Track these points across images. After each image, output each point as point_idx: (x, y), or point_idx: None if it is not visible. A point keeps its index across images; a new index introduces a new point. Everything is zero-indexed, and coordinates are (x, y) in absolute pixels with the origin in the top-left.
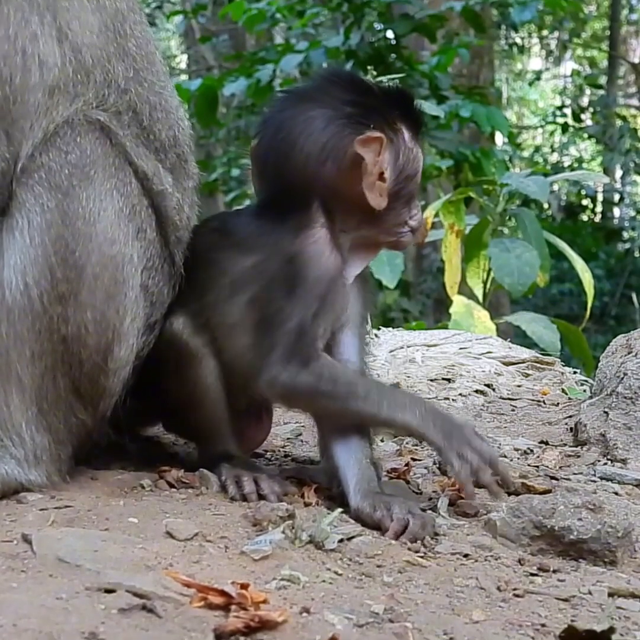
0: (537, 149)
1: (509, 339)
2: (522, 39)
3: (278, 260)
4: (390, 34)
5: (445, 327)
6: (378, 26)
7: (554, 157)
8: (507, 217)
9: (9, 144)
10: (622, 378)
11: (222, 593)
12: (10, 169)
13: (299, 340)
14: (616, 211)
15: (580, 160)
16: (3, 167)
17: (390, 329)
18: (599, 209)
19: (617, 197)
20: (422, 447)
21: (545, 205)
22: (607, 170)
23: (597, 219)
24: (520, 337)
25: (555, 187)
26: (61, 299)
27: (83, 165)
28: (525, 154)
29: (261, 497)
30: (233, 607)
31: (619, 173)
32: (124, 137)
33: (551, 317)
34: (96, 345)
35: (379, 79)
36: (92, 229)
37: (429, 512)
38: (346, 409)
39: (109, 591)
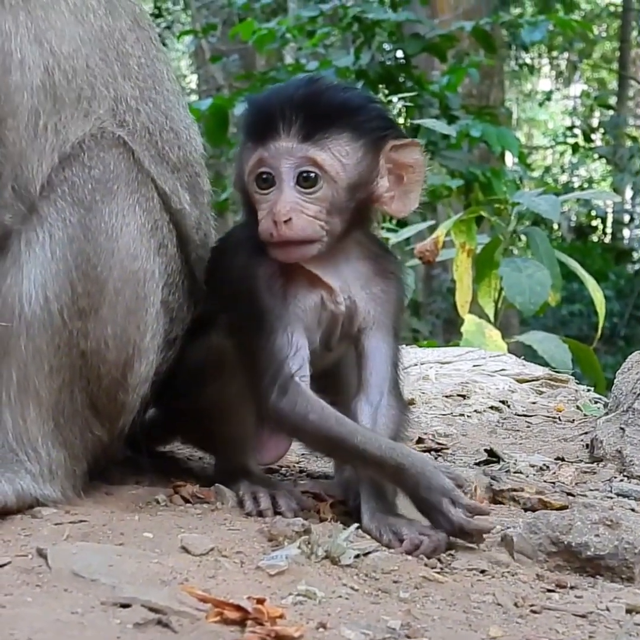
0: (548, 169)
1: (523, 357)
2: (532, 59)
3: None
4: (400, 53)
5: (457, 346)
6: (388, 46)
7: (564, 178)
8: (518, 237)
9: (0, 144)
10: (639, 394)
11: (238, 608)
12: (5, 170)
13: (274, 368)
14: (626, 232)
15: (590, 181)
16: None
17: (403, 346)
18: (608, 229)
19: (627, 217)
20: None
21: (555, 226)
22: (617, 191)
23: (607, 239)
24: (530, 356)
25: (565, 207)
26: (81, 313)
27: (106, 180)
28: (535, 174)
29: (277, 513)
30: (249, 622)
31: (629, 193)
32: (142, 154)
33: (562, 337)
34: (116, 361)
35: (390, 98)
36: (115, 244)
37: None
38: (320, 442)
39: (124, 606)
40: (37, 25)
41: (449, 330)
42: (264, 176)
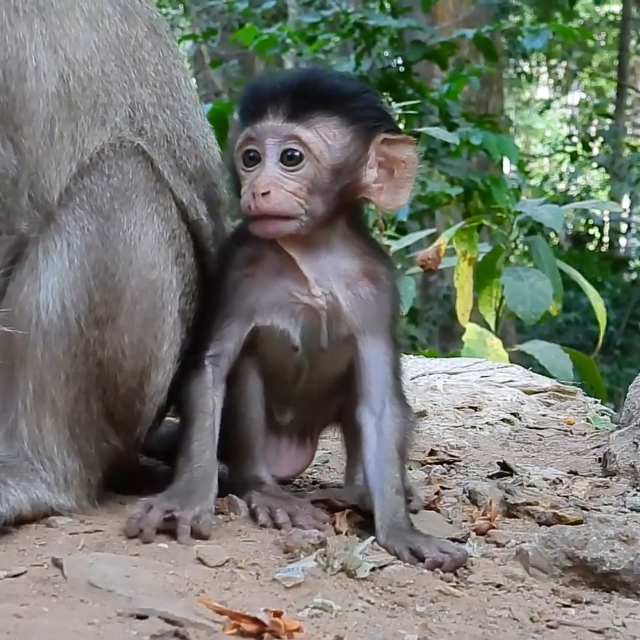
0: (546, 177)
1: (530, 368)
2: (531, 67)
3: None
4: (400, 60)
5: (458, 355)
6: (389, 53)
7: (562, 186)
8: (517, 246)
9: (16, 151)
10: None
11: (255, 620)
12: (21, 177)
13: (197, 343)
14: (623, 241)
15: (588, 190)
16: (12, 174)
17: (411, 355)
18: (606, 238)
19: (624, 226)
20: (450, 476)
21: (553, 234)
22: (616, 200)
23: (604, 248)
24: (528, 365)
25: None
26: (99, 322)
27: (125, 188)
28: (533, 182)
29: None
30: (266, 635)
31: (626, 202)
32: (160, 164)
33: (563, 347)
34: (132, 370)
35: (391, 105)
36: (133, 253)
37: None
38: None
39: (141, 617)
40: (51, 33)
41: (445, 338)
42: (251, 154)
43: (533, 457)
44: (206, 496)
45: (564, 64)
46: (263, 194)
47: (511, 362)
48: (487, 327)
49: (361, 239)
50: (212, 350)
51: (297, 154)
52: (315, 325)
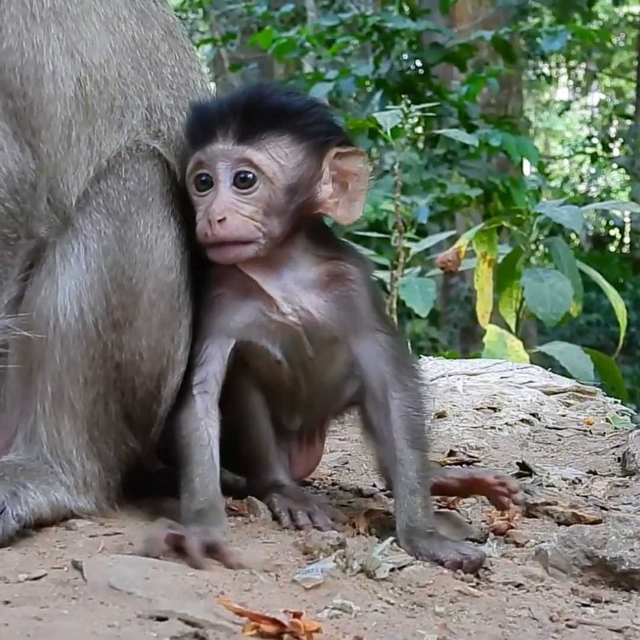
0: (566, 179)
1: (550, 369)
2: (550, 69)
3: None
4: (419, 63)
5: (479, 357)
6: (407, 55)
7: (582, 187)
8: (537, 247)
9: (34, 156)
10: None
11: (275, 622)
12: (39, 182)
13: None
14: None
15: (608, 191)
16: (31, 178)
17: (431, 357)
18: (626, 239)
19: None
20: None
21: (573, 236)
22: (636, 201)
23: (625, 249)
24: (548, 367)
25: (584, 216)
26: (116, 325)
27: (141, 192)
28: (554, 183)
29: (315, 527)
30: (286, 636)
31: None
32: (177, 167)
33: (584, 348)
34: (150, 373)
35: (411, 108)
36: (150, 255)
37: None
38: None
39: (160, 619)
40: (68, 37)
41: (466, 340)
42: (203, 178)
43: (552, 457)
44: (218, 523)
45: (583, 65)
46: (219, 221)
47: (532, 363)
48: (508, 328)
49: (323, 245)
50: (198, 376)
51: (250, 176)
52: (295, 338)
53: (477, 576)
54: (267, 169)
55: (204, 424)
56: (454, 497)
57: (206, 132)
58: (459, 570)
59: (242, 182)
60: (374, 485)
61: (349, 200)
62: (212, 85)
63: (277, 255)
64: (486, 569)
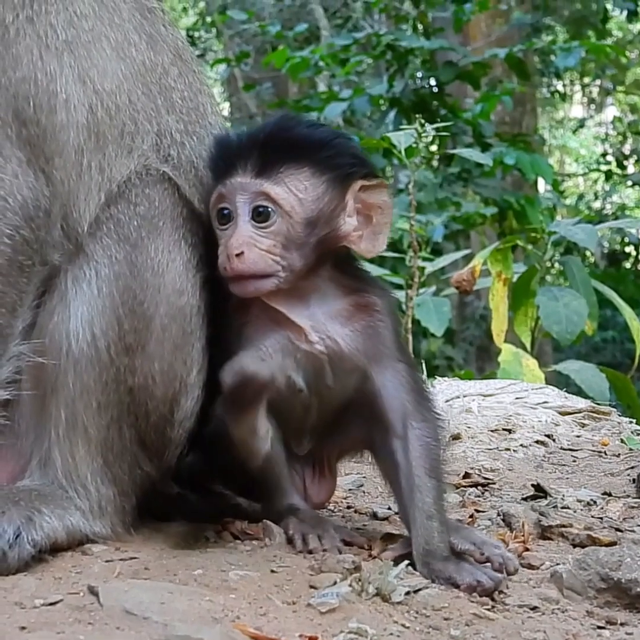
0: (581, 196)
1: (565, 389)
2: (564, 86)
3: None
4: (433, 81)
5: (494, 376)
6: (421, 74)
7: (597, 205)
8: (552, 265)
9: (48, 183)
10: None
11: None
12: (53, 209)
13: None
14: None
15: (623, 208)
16: (45, 206)
17: (445, 378)
18: None
19: None
20: (484, 499)
21: (588, 253)
22: None
23: None
24: (564, 385)
25: (598, 234)
26: (128, 350)
27: (152, 216)
28: (568, 201)
29: (325, 550)
30: None
31: None
32: (188, 191)
33: (599, 366)
34: (163, 397)
35: (425, 127)
36: (161, 280)
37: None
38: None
39: None
40: (80, 64)
41: (482, 358)
42: (224, 211)
43: (567, 478)
44: None
45: (597, 82)
46: (237, 255)
47: (547, 382)
48: (523, 347)
49: (349, 276)
50: None
51: (267, 210)
52: (318, 367)
53: (493, 599)
54: (285, 203)
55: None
56: (469, 519)
57: (227, 166)
58: (474, 594)
59: (259, 216)
60: (389, 508)
61: (373, 233)
62: (226, 105)
63: (303, 286)
64: (501, 591)
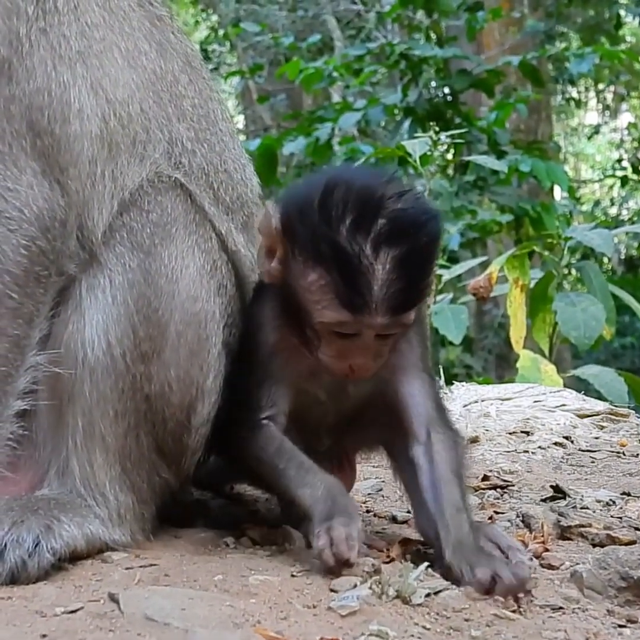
0: (597, 202)
1: (583, 392)
2: (579, 93)
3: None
4: (447, 90)
5: (513, 382)
6: (435, 82)
7: (613, 211)
8: (569, 271)
9: (63, 193)
10: None
11: None
12: (69, 219)
13: (250, 412)
14: None
15: (639, 213)
16: (61, 216)
17: (463, 383)
18: None
19: None
20: (503, 500)
21: (605, 259)
22: None
23: None
24: (582, 390)
25: (615, 239)
26: (144, 357)
27: (164, 223)
28: (585, 208)
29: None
30: None
31: None
32: (200, 196)
33: (617, 370)
34: (180, 403)
35: (440, 135)
36: (175, 286)
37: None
38: (269, 479)
39: None
40: (92, 74)
41: (501, 366)
42: (346, 331)
43: (586, 479)
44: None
45: (611, 88)
46: (359, 371)
47: (566, 387)
48: (542, 353)
49: None
50: (269, 411)
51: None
52: (343, 382)
53: (517, 600)
54: (408, 320)
55: (285, 438)
56: (488, 521)
57: (362, 305)
58: (509, 589)
59: (386, 336)
60: (408, 512)
61: None
62: (241, 117)
63: None
64: (528, 591)
